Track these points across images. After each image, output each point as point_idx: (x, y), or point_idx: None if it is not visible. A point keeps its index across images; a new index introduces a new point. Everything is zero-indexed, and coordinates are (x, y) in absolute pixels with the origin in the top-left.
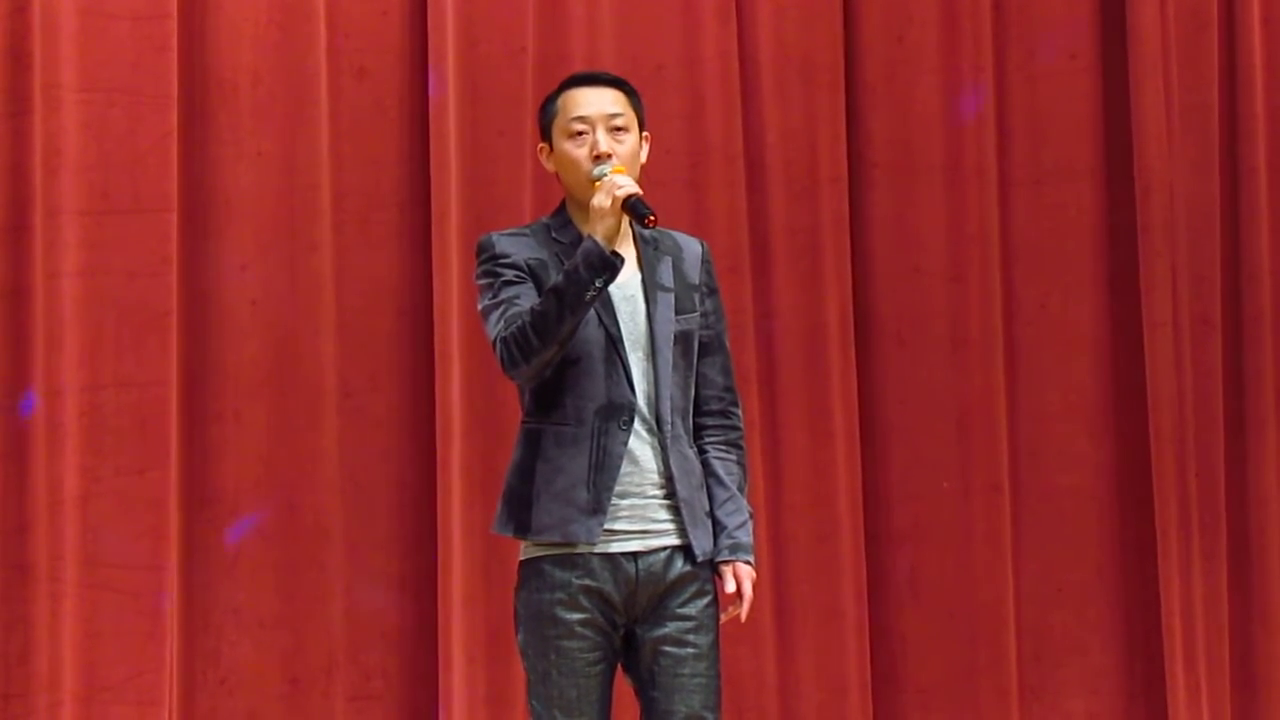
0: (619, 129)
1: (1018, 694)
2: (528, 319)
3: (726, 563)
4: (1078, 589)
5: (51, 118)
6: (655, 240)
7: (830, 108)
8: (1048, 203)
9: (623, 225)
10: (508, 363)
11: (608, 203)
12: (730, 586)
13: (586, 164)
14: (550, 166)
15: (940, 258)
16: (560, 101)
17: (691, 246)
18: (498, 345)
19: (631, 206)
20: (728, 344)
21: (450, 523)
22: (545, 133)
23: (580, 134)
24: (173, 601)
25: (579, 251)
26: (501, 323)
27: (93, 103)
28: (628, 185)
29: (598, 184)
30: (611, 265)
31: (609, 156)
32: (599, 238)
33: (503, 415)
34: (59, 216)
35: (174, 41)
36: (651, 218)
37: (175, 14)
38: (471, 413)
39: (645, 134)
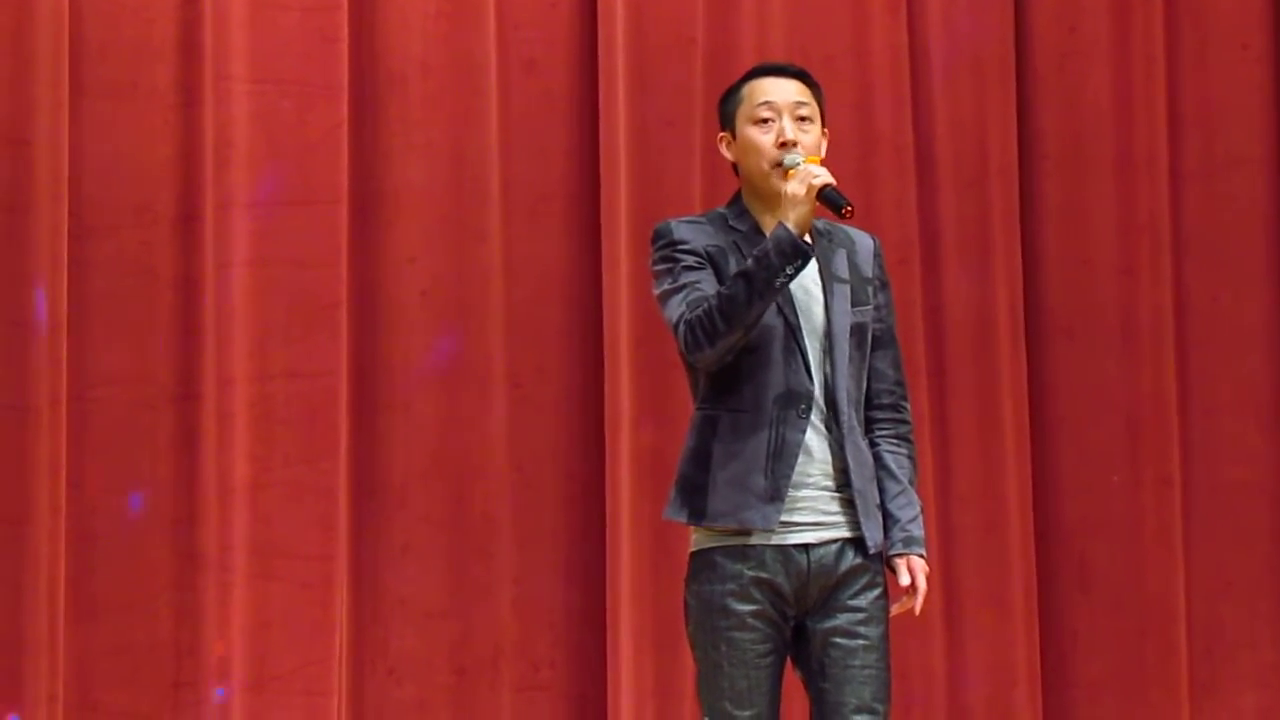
0: (804, 118)
1: (1188, 688)
2: (714, 303)
3: (900, 555)
4: (1249, 583)
5: (222, 109)
6: (829, 233)
7: (1000, 99)
8: (1219, 194)
9: None
10: (691, 346)
11: (802, 190)
12: (904, 580)
13: (770, 150)
14: (730, 155)
15: (1111, 249)
16: (746, 90)
17: (864, 240)
18: (681, 328)
19: (827, 197)
20: (898, 338)
21: (619, 513)
22: (727, 121)
23: (766, 120)
24: (342, 591)
25: (770, 238)
26: (684, 306)
27: (263, 94)
28: (823, 175)
29: (791, 172)
30: (804, 253)
31: (794, 144)
32: (791, 225)
33: (671, 405)
34: (229, 208)
35: (344, 33)
36: (849, 209)
37: (345, 5)
38: (640, 403)
39: (825, 129)
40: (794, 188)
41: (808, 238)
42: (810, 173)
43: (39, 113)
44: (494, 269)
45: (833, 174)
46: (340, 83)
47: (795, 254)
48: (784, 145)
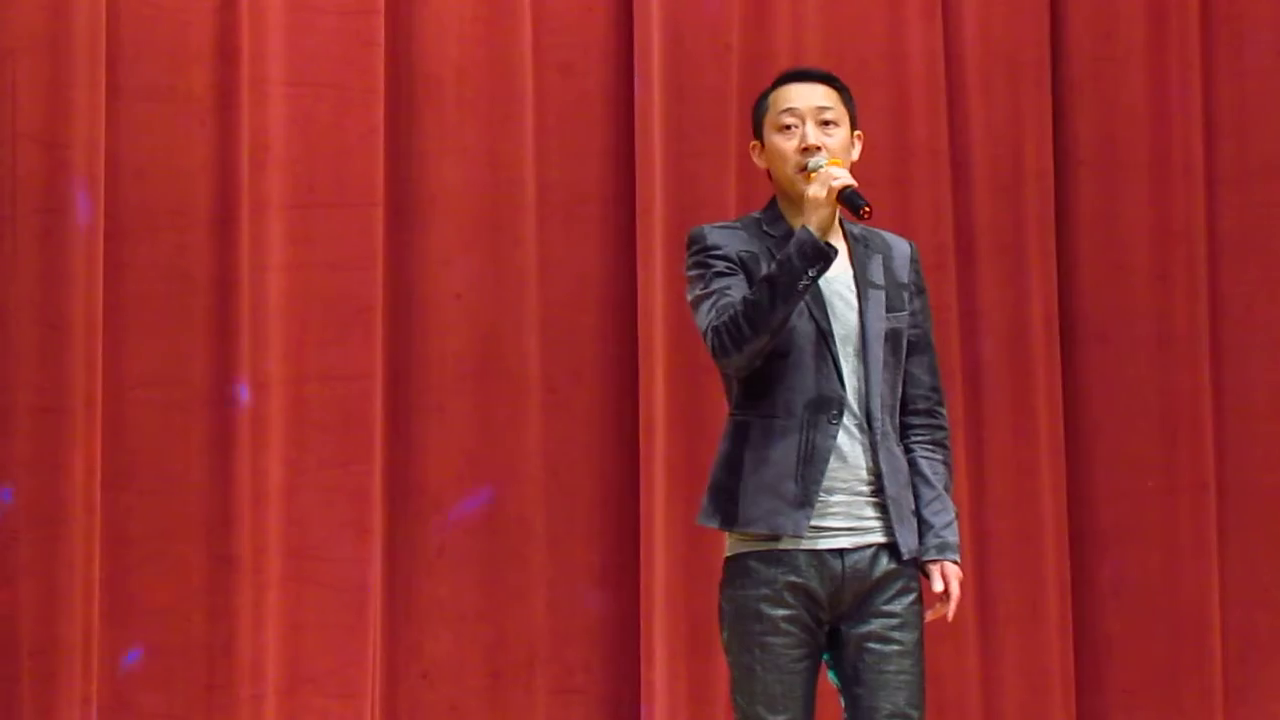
0: (828, 122)
1: (1222, 695)
2: (740, 308)
3: (934, 562)
4: None
5: (259, 112)
6: (865, 238)
7: (1036, 104)
8: (1254, 200)
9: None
10: (719, 351)
11: (823, 193)
12: (938, 586)
13: (794, 156)
14: (761, 163)
15: (1145, 255)
16: (771, 97)
17: (900, 246)
18: (709, 334)
19: (847, 198)
20: (934, 343)
21: (653, 517)
22: (757, 129)
23: (789, 127)
24: (376, 594)
25: (793, 241)
26: (713, 312)
27: (300, 97)
28: (844, 177)
29: (812, 175)
30: (825, 255)
31: (817, 149)
32: (813, 228)
33: (706, 410)
34: (265, 210)
35: (381, 36)
36: (867, 209)
37: (382, 9)
38: (675, 407)
39: (858, 132)
40: (814, 190)
41: (838, 241)
42: (830, 175)
43: (76, 115)
44: (529, 272)
45: (867, 178)
46: (376, 86)
47: (817, 256)
48: (806, 150)
